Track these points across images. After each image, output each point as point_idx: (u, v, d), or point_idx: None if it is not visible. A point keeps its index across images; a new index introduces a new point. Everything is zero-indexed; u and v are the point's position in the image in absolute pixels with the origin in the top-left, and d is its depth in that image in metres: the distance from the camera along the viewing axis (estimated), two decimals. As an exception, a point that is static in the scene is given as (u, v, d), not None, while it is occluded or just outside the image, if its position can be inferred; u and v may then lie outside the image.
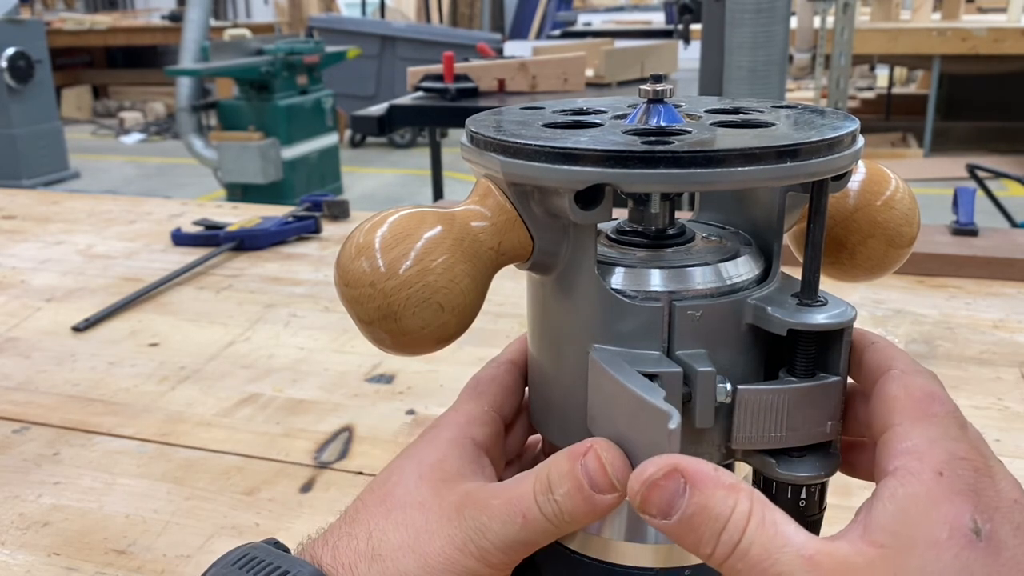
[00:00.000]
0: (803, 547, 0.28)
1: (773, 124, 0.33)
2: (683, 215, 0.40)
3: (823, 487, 0.34)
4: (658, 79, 0.35)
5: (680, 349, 0.33)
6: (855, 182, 0.37)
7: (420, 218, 0.33)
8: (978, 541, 0.27)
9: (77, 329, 0.88)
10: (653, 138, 0.31)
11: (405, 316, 0.32)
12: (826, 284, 0.35)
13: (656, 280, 0.33)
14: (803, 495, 0.34)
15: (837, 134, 0.31)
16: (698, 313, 0.32)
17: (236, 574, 0.34)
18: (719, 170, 0.29)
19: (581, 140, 0.31)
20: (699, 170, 0.29)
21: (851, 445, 0.37)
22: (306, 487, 0.61)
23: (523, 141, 0.31)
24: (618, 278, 0.34)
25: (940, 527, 0.27)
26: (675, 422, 0.29)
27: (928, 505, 0.28)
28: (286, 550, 0.35)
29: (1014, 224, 2.62)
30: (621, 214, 0.38)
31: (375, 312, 0.32)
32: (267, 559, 0.34)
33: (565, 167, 0.30)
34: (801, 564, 0.27)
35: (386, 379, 0.76)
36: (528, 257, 0.34)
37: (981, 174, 2.72)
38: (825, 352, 0.33)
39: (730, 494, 0.29)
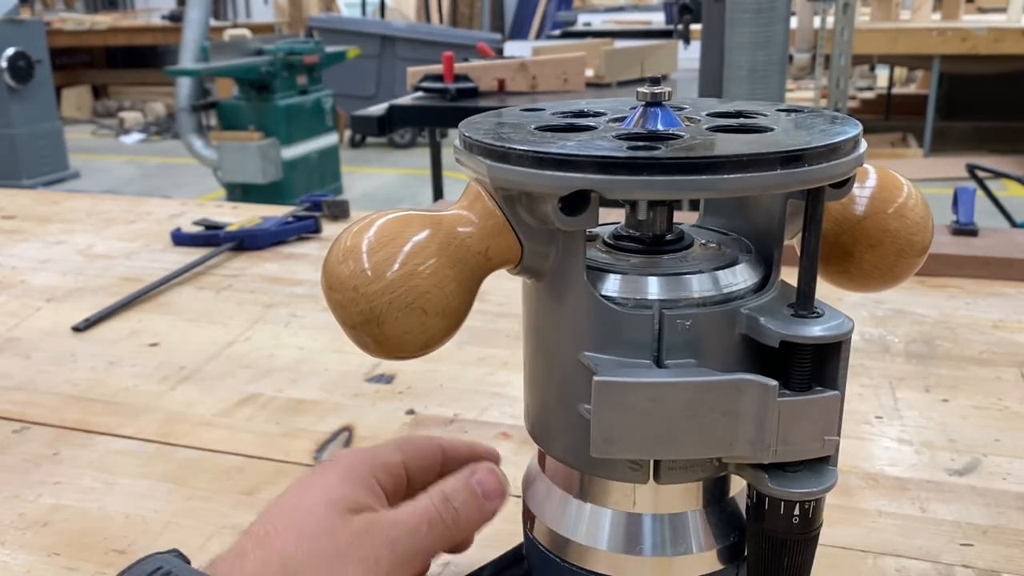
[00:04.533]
0: None
1: (771, 129, 0.33)
2: (688, 218, 0.40)
3: (818, 503, 0.33)
4: (655, 81, 0.35)
5: (670, 359, 0.32)
6: (865, 188, 0.36)
7: (406, 221, 0.32)
8: None
9: (77, 329, 0.88)
10: (643, 143, 0.31)
11: (387, 321, 0.31)
12: (836, 292, 0.34)
13: (647, 287, 0.33)
14: (797, 512, 0.33)
15: (832, 140, 0.30)
16: (688, 322, 0.32)
17: None
18: (703, 177, 0.29)
19: (567, 145, 0.31)
20: (682, 177, 0.29)
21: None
22: (306, 487, 0.61)
23: (508, 145, 0.31)
24: (608, 285, 0.33)
25: None
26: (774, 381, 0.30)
27: None
28: (187, 561, 0.39)
29: (1014, 224, 2.62)
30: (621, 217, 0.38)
31: (358, 316, 0.32)
32: (182, 575, 0.36)
33: (548, 172, 0.30)
34: None
35: (386, 379, 0.76)
36: (517, 262, 0.34)
37: (981, 174, 2.72)
38: (821, 365, 0.32)
39: None
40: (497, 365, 0.78)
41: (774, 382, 0.30)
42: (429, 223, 0.32)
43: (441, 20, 8.31)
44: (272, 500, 0.41)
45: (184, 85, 4.41)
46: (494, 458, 0.47)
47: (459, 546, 0.44)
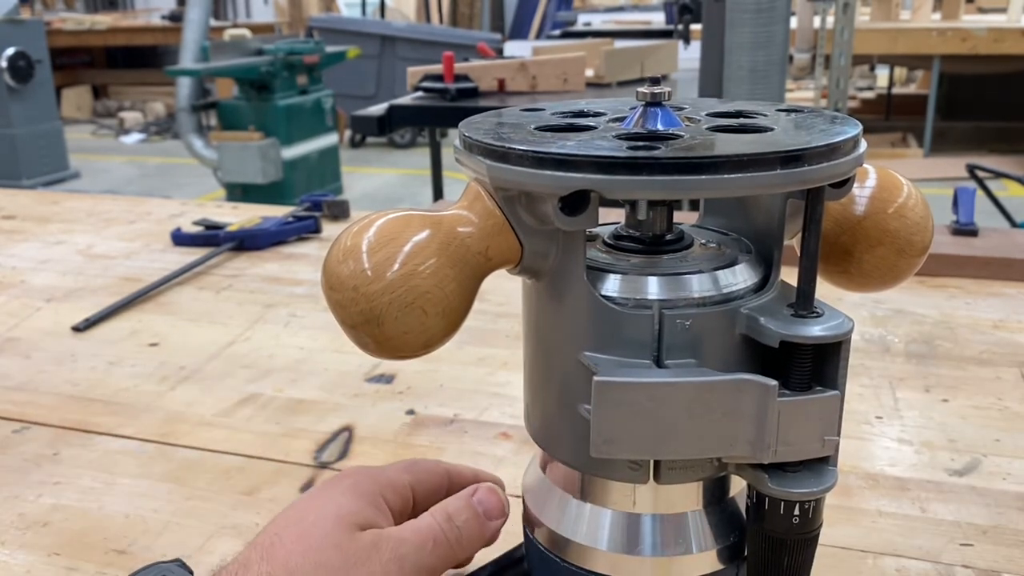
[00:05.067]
0: None
1: (771, 129, 0.33)
2: (688, 218, 0.40)
3: (818, 503, 0.33)
4: (655, 81, 0.35)
5: (670, 359, 0.32)
6: (865, 188, 0.36)
7: (406, 221, 0.32)
8: None
9: (77, 329, 0.88)
10: (643, 143, 0.31)
11: (387, 321, 0.31)
12: (836, 292, 0.34)
13: (647, 287, 0.33)
14: (796, 511, 0.33)
15: (832, 140, 0.30)
16: (688, 322, 0.32)
17: None
18: (703, 177, 0.29)
19: (567, 145, 0.31)
20: (682, 177, 0.29)
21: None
22: (306, 487, 0.61)
23: (508, 145, 0.31)
24: (608, 285, 0.33)
25: None
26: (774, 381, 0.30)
27: None
28: (190, 571, 0.39)
29: (1014, 224, 2.62)
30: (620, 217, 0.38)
31: (358, 316, 0.32)
32: None
33: (548, 172, 0.30)
34: None
35: (386, 379, 0.76)
36: (517, 262, 0.34)
37: (981, 174, 2.72)
38: (822, 365, 0.32)
39: None
40: (497, 365, 0.78)
41: (774, 382, 0.30)
42: (429, 223, 0.32)
43: (441, 20, 8.31)
44: (278, 512, 0.41)
45: (184, 85, 4.41)
46: (497, 484, 0.47)
47: (460, 564, 0.44)
